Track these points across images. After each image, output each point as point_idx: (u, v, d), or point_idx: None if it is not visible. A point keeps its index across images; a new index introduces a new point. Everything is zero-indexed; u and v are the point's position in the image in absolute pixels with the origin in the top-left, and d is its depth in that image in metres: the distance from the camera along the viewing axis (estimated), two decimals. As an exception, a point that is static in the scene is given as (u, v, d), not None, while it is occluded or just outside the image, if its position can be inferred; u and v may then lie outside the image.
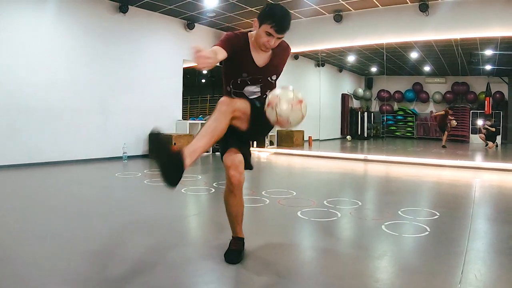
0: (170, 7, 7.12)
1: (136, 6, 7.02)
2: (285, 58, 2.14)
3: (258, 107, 1.95)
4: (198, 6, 7.08)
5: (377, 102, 12.75)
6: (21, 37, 5.60)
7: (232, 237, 2.22)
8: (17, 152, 5.59)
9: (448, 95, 11.38)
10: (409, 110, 12.14)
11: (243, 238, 2.23)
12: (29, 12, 5.67)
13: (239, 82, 2.03)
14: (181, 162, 1.60)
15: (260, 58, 2.03)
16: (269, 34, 1.89)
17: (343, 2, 7.00)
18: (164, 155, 1.59)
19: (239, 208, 2.13)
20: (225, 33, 2.04)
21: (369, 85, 12.89)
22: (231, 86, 2.07)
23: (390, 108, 12.47)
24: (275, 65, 2.08)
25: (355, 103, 12.83)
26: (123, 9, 6.74)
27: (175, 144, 6.78)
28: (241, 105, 1.89)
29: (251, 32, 2.03)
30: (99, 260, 2.11)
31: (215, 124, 1.78)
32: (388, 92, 12.25)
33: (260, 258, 2.16)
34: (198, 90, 13.29)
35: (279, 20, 1.87)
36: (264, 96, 2.04)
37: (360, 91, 12.78)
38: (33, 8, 5.71)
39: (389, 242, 2.50)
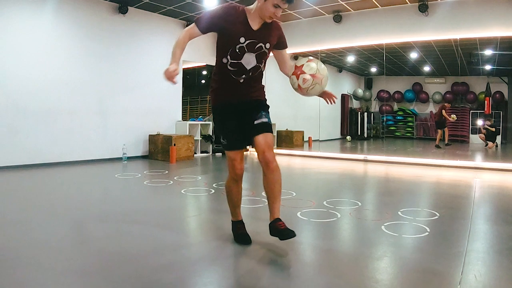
0: (169, 8, 7.13)
1: (135, 7, 7.02)
2: (277, 32, 2.26)
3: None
4: (197, 7, 7.08)
5: (376, 103, 12.76)
6: (20, 38, 5.60)
7: (233, 221, 2.48)
8: (16, 153, 5.59)
9: (447, 95, 11.38)
10: (409, 110, 12.14)
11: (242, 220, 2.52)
12: (28, 13, 5.67)
13: (237, 50, 2.12)
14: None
15: (255, 23, 2.16)
16: (277, 6, 2.04)
17: (342, 3, 7.00)
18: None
19: (240, 195, 2.45)
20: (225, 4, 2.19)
21: (368, 86, 12.89)
22: (228, 57, 2.15)
23: (390, 109, 12.47)
24: (267, 32, 2.19)
25: (355, 104, 12.84)
26: (122, 10, 6.74)
27: (174, 145, 6.78)
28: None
29: (249, 7, 2.16)
30: (99, 261, 2.10)
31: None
32: (387, 92, 12.25)
33: (260, 259, 2.16)
34: (198, 90, 13.30)
35: None
36: (259, 68, 2.21)
37: (360, 92, 12.78)
38: (32, 8, 5.71)
39: (389, 243, 2.50)
